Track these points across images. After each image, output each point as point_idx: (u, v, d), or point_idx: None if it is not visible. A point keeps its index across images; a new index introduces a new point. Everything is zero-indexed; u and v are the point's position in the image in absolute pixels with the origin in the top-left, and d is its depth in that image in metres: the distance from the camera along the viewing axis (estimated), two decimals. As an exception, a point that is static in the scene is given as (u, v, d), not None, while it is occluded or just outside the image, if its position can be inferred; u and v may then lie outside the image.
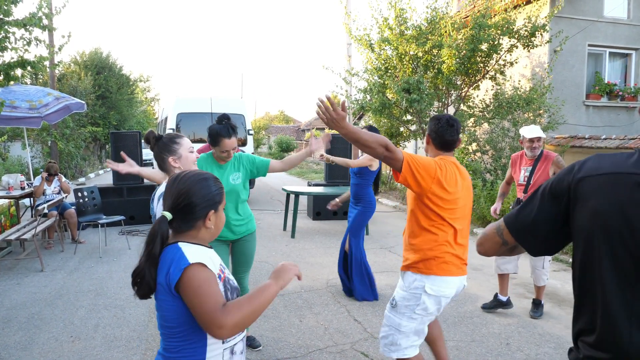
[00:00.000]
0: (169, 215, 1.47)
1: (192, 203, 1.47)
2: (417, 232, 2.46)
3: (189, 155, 2.39)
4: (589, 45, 11.08)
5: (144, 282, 1.43)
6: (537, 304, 4.35)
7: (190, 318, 1.41)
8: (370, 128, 4.23)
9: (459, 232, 2.44)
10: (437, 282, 2.39)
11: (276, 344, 3.65)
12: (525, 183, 4.26)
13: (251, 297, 1.40)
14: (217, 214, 1.54)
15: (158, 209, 2.22)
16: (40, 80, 18.43)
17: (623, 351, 1.08)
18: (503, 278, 4.37)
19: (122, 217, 6.93)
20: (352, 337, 3.82)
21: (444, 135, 2.52)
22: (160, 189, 2.27)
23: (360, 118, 18.89)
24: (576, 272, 1.19)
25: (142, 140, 9.54)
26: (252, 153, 11.00)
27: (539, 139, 4.17)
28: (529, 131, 4.19)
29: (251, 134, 11.02)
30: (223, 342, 1.47)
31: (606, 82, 11.21)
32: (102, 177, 19.39)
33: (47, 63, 8.04)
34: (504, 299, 4.37)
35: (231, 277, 1.57)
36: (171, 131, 10.27)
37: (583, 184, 1.15)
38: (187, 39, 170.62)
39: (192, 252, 1.43)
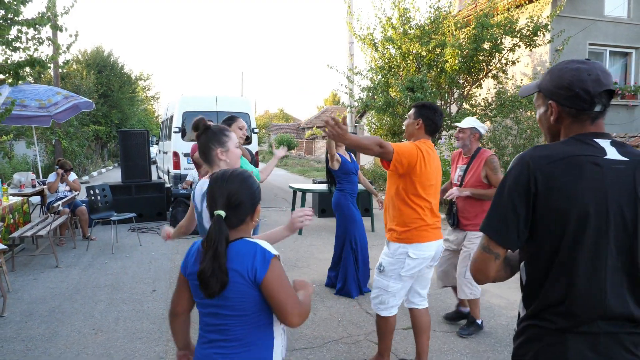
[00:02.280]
0: (223, 214, 1.55)
1: (243, 201, 1.57)
2: (400, 209, 2.87)
3: (236, 150, 2.32)
4: (590, 44, 11.23)
5: (214, 279, 1.46)
6: (470, 321, 3.84)
7: (263, 305, 1.53)
8: None
9: (433, 206, 2.90)
10: (418, 248, 2.84)
11: (293, 336, 3.78)
12: (458, 183, 3.79)
13: (305, 295, 1.67)
14: (259, 208, 1.67)
15: (203, 207, 2.18)
16: (44, 80, 18.50)
17: (599, 313, 1.26)
18: (474, 302, 3.84)
19: (133, 215, 7.04)
20: (365, 328, 3.96)
21: (437, 124, 2.89)
22: (202, 186, 2.21)
23: (362, 116, 19.00)
24: (546, 250, 1.30)
25: (150, 138, 9.62)
26: (257, 151, 11.16)
27: (463, 130, 3.74)
28: (464, 122, 3.81)
29: (256, 132, 11.13)
30: (280, 323, 1.60)
31: (607, 80, 11.34)
32: (104, 175, 19.51)
33: (57, 62, 8.15)
34: (466, 310, 4.02)
35: None
36: (177, 129, 10.40)
37: (547, 170, 1.28)
38: (186, 37, 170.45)
39: (267, 245, 1.55)
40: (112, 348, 3.58)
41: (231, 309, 1.52)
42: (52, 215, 6.31)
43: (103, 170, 21.63)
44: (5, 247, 4.81)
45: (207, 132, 2.27)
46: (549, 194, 1.27)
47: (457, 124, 3.88)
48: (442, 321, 4.12)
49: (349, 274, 4.67)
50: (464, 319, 4.02)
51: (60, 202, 6.19)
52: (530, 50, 9.89)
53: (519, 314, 1.45)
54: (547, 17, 9.58)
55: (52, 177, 7.07)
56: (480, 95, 10.76)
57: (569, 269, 1.27)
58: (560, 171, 1.27)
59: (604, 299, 1.25)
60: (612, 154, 1.31)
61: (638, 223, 1.26)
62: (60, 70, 16.23)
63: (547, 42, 9.82)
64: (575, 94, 1.33)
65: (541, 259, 1.32)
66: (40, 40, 6.74)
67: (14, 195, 6.90)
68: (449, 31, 9.63)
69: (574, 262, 1.27)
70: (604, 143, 1.33)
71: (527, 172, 1.30)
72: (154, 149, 18.59)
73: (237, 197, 1.56)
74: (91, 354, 3.48)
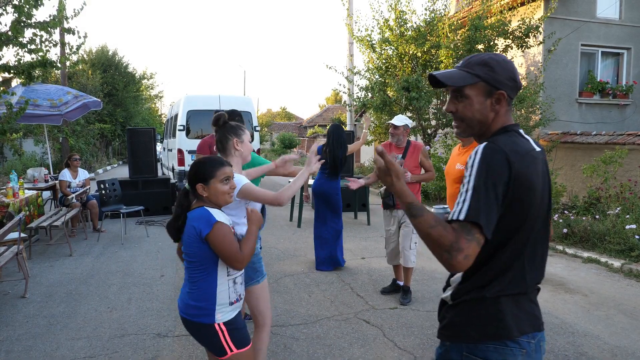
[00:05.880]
0: (187, 187, 2.14)
1: (191, 179, 2.11)
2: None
3: (248, 144, 2.65)
4: (582, 44, 11.53)
5: (173, 230, 2.13)
6: (405, 291, 4.52)
7: (208, 256, 2.04)
8: (337, 127, 5.50)
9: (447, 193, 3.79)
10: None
11: (289, 314, 4.16)
12: None
13: (247, 240, 2.15)
14: (209, 187, 2.08)
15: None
16: (51, 79, 18.89)
17: (525, 284, 1.43)
18: (398, 267, 4.64)
19: (141, 207, 7.44)
20: (355, 308, 4.33)
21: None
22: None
23: (361, 115, 19.35)
24: (503, 233, 1.37)
25: (158, 135, 9.92)
26: (258, 149, 11.53)
27: (397, 127, 4.36)
28: (397, 120, 4.41)
29: (258, 131, 11.51)
30: (227, 275, 2.11)
31: (598, 80, 11.65)
32: (109, 172, 19.93)
33: (66, 63, 8.53)
34: (401, 283, 4.60)
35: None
36: (181, 127, 10.79)
37: (520, 162, 1.35)
38: (189, 36, 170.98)
39: (216, 214, 2.05)
40: (126, 323, 3.97)
41: (189, 256, 2.09)
42: (65, 207, 6.71)
43: (108, 167, 22.05)
44: (25, 235, 5.21)
45: (227, 125, 2.61)
46: (517, 183, 1.34)
47: (391, 122, 4.48)
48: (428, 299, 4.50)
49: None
50: (399, 291, 4.65)
51: (74, 195, 6.59)
52: (523, 51, 10.23)
53: (448, 282, 1.56)
54: (539, 19, 9.91)
55: (62, 176, 7.42)
56: (474, 94, 11.08)
57: (519, 249, 1.39)
58: (526, 165, 1.35)
59: (526, 274, 1.42)
60: (533, 144, 1.47)
61: (550, 199, 1.49)
62: (67, 70, 16.63)
63: (539, 44, 10.15)
64: (517, 86, 1.44)
65: (504, 242, 1.38)
66: (54, 43, 7.12)
67: (28, 189, 7.31)
68: (443, 33, 9.98)
69: (526, 244, 1.40)
70: (522, 134, 1.49)
71: (507, 164, 1.32)
72: (158, 147, 18.99)
73: (190, 176, 2.12)
74: (108, 328, 3.87)
